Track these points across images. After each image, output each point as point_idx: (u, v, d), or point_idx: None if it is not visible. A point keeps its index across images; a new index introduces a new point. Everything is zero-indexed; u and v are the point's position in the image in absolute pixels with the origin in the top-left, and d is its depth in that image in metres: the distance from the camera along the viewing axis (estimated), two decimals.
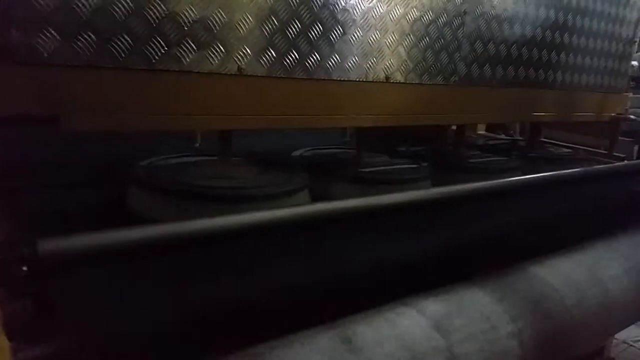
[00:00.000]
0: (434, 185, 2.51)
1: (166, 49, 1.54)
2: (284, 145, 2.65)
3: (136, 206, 1.85)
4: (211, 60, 1.67)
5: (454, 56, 2.46)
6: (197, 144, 2.23)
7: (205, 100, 1.70)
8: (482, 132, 4.83)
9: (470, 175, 2.66)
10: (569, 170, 2.77)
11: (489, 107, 2.72)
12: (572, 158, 3.37)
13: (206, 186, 1.80)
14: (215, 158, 2.07)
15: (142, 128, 1.58)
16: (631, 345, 4.30)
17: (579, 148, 4.02)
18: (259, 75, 1.80)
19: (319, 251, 1.61)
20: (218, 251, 1.46)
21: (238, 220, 1.51)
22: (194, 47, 1.62)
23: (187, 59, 1.60)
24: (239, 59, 1.74)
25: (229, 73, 1.72)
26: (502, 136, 4.51)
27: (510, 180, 2.53)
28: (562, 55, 3.10)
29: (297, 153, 2.55)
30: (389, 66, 2.20)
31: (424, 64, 2.32)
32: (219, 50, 1.69)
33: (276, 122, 1.92)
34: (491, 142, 3.58)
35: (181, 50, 1.59)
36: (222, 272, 1.42)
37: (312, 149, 2.65)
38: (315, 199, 2.15)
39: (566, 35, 3.07)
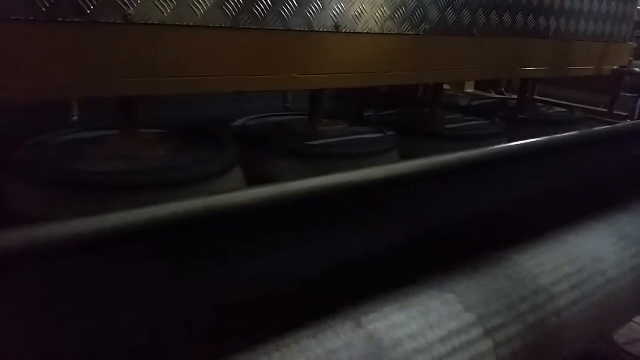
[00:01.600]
0: (402, 158, 2.16)
1: None
2: (222, 113, 2.27)
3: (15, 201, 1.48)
4: None
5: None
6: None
7: None
8: (470, 90, 4.46)
9: (445, 143, 2.30)
10: (561, 135, 2.42)
11: (468, 61, 2.34)
12: (567, 119, 3.01)
13: (94, 172, 1.43)
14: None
15: None
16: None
17: (576, 107, 3.67)
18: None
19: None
20: None
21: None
22: None
23: None
24: None
25: None
26: (493, 94, 4.12)
27: (490, 150, 2.18)
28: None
29: (238, 123, 2.16)
30: (338, 12, 1.80)
31: (385, 7, 1.93)
32: None
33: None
34: (476, 103, 3.20)
35: None
36: None
37: (258, 117, 2.27)
38: (252, 180, 1.80)
39: None
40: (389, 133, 2.20)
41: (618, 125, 2.82)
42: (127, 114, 1.62)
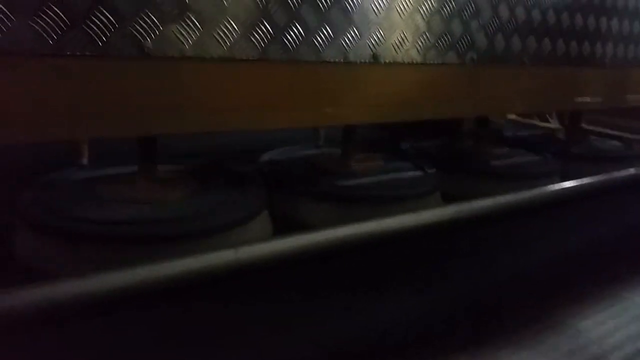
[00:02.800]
0: (445, 200, 1.98)
1: None
2: (252, 142, 2.14)
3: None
4: None
5: (470, 25, 1.90)
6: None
7: None
8: (513, 116, 4.25)
9: (492, 183, 2.11)
10: (622, 173, 2.21)
11: (517, 92, 2.16)
12: (624, 154, 2.78)
13: (97, 222, 1.30)
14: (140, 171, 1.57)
15: None
16: None
17: (631, 138, 3.42)
18: None
19: None
20: None
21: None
22: None
23: None
24: None
25: None
26: (537, 121, 3.90)
27: (544, 190, 2.00)
28: (613, 22, 2.50)
29: (265, 157, 2.03)
30: (376, 41, 1.66)
31: (428, 35, 1.78)
32: None
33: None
34: (523, 134, 3.00)
35: None
36: None
37: (286, 150, 2.14)
38: (278, 225, 1.67)
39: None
40: (430, 171, 2.03)
41: None
42: (145, 153, 1.51)
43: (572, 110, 2.98)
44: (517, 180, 2.17)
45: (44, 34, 1.10)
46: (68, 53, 1.15)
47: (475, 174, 2.15)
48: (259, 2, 1.39)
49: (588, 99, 2.63)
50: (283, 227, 1.71)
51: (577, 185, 2.14)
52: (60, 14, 1.12)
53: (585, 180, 2.17)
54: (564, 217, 2.13)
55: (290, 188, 1.77)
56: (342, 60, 1.63)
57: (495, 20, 1.99)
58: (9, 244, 1.37)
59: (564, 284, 1.80)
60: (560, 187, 2.11)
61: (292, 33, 1.49)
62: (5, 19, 1.06)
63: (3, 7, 1.05)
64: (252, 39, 1.42)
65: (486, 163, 2.27)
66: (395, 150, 2.28)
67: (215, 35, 1.35)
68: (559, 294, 1.73)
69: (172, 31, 1.28)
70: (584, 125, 3.76)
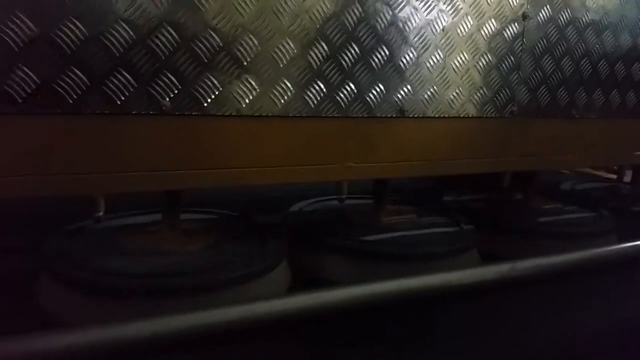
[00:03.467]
0: (483, 259, 1.89)
1: None
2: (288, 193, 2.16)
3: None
4: None
5: (510, 77, 1.85)
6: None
7: None
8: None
9: (536, 242, 2.00)
10: None
11: (563, 146, 2.05)
12: None
13: (119, 274, 1.35)
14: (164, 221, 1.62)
15: None
16: None
17: None
18: None
19: None
20: None
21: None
22: None
23: None
24: None
25: None
26: (603, 173, 3.67)
27: (597, 253, 1.85)
28: None
29: (294, 208, 2.04)
30: (402, 96, 1.65)
31: (461, 89, 1.74)
32: None
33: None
34: (581, 187, 2.83)
35: None
36: None
37: (316, 202, 2.14)
38: (300, 279, 1.66)
39: None
40: (467, 227, 1.95)
41: None
42: (170, 203, 1.56)
43: (632, 164, 2.78)
44: (566, 239, 2.03)
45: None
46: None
47: (517, 231, 2.04)
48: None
49: None
50: (305, 281, 1.69)
51: (631, 247, 1.97)
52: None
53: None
54: (617, 282, 1.96)
55: (313, 241, 1.75)
56: (366, 115, 1.62)
57: (538, 73, 1.92)
58: (32, 295, 1.44)
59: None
60: (612, 249, 1.95)
61: (313, 90, 1.51)
62: None
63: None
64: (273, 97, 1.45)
65: (531, 220, 2.14)
66: (434, 204, 2.21)
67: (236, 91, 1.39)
68: None
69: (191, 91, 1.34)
70: None
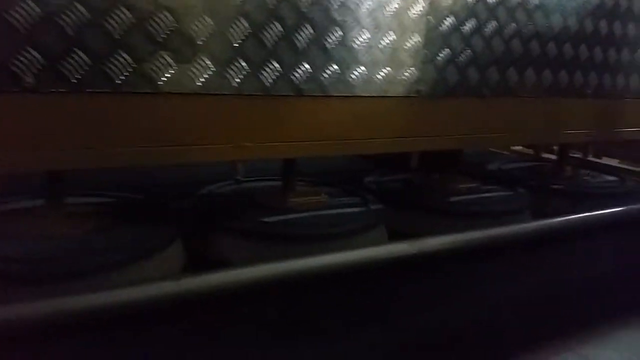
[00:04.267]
0: (392, 236, 1.90)
1: None
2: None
3: None
4: None
5: (416, 55, 1.83)
6: None
7: None
8: (518, 147, 4.09)
9: (445, 221, 2.01)
10: (596, 213, 2.06)
11: (475, 125, 2.06)
12: (613, 191, 2.60)
13: None
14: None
15: None
16: None
17: (633, 170, 3.21)
18: None
19: None
20: None
21: None
22: None
23: None
24: None
25: None
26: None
27: (498, 232, 1.87)
28: (601, 51, 2.37)
29: (204, 191, 2.00)
30: (300, 75, 1.62)
31: (363, 69, 1.72)
32: None
33: None
34: (507, 167, 2.87)
35: None
36: None
37: (228, 184, 2.10)
38: (198, 263, 1.63)
39: (607, 23, 2.34)
40: (374, 207, 1.94)
41: None
42: (53, 186, 1.50)
43: (559, 143, 2.83)
44: (475, 218, 2.05)
45: None
46: None
47: (428, 210, 2.05)
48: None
49: (575, 131, 2.50)
50: (203, 264, 1.66)
51: (541, 224, 2.01)
52: None
53: (551, 220, 2.04)
54: (521, 261, 2.00)
55: (215, 223, 1.72)
56: (261, 93, 1.59)
57: (447, 51, 1.91)
58: None
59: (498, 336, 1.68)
60: (522, 227, 1.98)
61: (200, 65, 1.46)
62: None
63: None
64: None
65: (442, 199, 2.16)
66: (350, 185, 2.20)
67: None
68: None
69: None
70: (591, 159, 3.58)
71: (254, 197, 1.94)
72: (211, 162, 1.65)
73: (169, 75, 1.42)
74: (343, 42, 1.68)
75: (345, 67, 1.71)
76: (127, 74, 1.37)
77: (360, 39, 1.71)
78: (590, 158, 3.58)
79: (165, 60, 1.41)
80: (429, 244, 1.74)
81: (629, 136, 2.70)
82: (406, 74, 1.85)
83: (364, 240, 1.79)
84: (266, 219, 1.74)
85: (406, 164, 2.74)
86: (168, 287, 1.30)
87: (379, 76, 1.79)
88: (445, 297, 1.88)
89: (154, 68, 1.40)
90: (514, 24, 2.06)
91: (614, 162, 3.65)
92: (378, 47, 1.76)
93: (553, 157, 3.43)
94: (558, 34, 2.21)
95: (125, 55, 1.36)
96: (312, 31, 1.62)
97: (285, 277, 1.50)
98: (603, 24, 2.35)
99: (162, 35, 1.38)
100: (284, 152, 1.68)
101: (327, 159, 2.44)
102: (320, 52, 1.65)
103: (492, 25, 2.00)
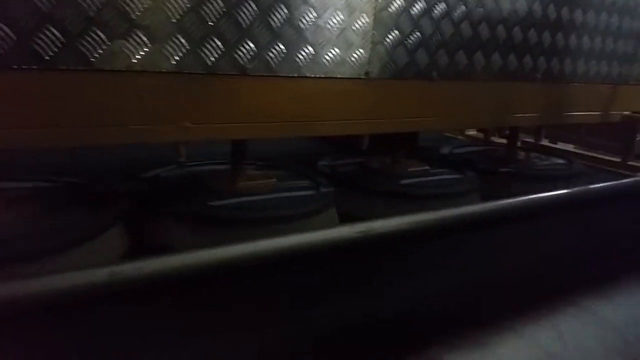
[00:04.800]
0: (342, 218, 1.88)
1: None
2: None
3: None
4: None
5: (365, 37, 1.81)
6: None
7: None
8: (472, 132, 4.14)
9: (395, 203, 2.01)
10: (539, 196, 2.09)
11: (424, 108, 2.05)
12: (561, 173, 2.66)
13: None
14: None
15: None
16: None
17: (586, 155, 3.30)
18: None
19: None
20: None
21: None
22: None
23: None
24: None
25: None
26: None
27: (440, 215, 1.88)
28: (550, 35, 2.40)
29: (150, 174, 1.93)
30: (244, 54, 1.57)
31: (311, 50, 1.68)
32: None
33: None
34: (459, 151, 2.89)
35: None
36: None
37: (176, 167, 2.03)
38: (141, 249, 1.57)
39: (556, 7, 2.37)
40: (324, 190, 1.92)
41: (615, 183, 2.45)
42: None
43: (508, 126, 2.87)
44: (424, 200, 2.05)
45: None
46: None
47: (378, 193, 2.04)
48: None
49: (524, 115, 2.53)
50: (146, 250, 1.61)
51: (488, 206, 2.02)
52: None
53: (499, 202, 2.05)
54: (470, 243, 2.01)
55: (159, 207, 1.66)
56: (202, 71, 1.53)
57: (395, 33, 1.89)
58: None
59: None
60: (468, 209, 1.99)
61: (134, 41, 1.39)
62: None
63: None
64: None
65: (393, 182, 2.15)
66: (302, 168, 2.17)
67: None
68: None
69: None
70: (545, 142, 3.66)
71: (201, 180, 1.89)
72: (153, 144, 1.59)
73: (101, 52, 1.35)
74: (289, 21, 1.64)
75: (292, 46, 1.67)
76: (57, 49, 1.30)
77: (307, 18, 1.67)
78: (545, 143, 3.66)
79: (98, 36, 1.34)
80: (376, 226, 1.72)
81: (577, 119, 2.76)
82: (355, 55, 1.82)
83: (313, 223, 1.76)
84: (212, 203, 1.69)
85: (359, 146, 2.73)
86: (100, 275, 1.24)
87: (326, 57, 1.76)
88: (396, 278, 1.88)
89: (86, 44, 1.33)
90: (463, 7, 2.05)
91: (569, 147, 3.76)
92: (326, 27, 1.72)
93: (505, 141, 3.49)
94: (507, 18, 2.22)
95: (55, 31, 1.28)
96: (256, 9, 1.57)
97: (231, 262, 1.46)
98: (552, 9, 2.38)
99: (93, 9, 1.31)
100: (227, 134, 1.63)
101: (283, 142, 2.41)
102: (266, 30, 1.60)
103: (441, 8, 1.99)
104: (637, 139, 3.24)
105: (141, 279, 1.33)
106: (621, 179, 2.68)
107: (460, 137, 3.84)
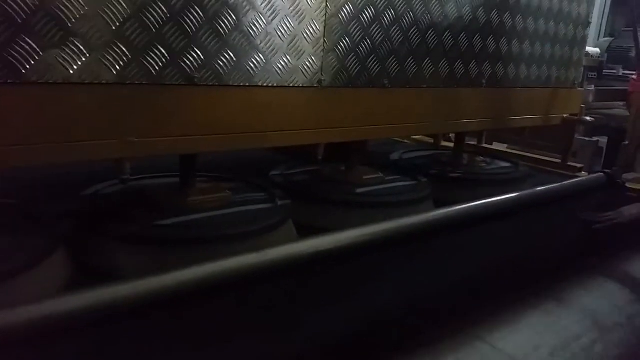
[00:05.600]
0: (300, 230, 1.81)
1: None
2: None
3: None
4: None
5: (316, 44, 1.75)
6: None
7: None
8: (419, 136, 4.17)
9: (353, 212, 1.96)
10: (493, 200, 2.10)
11: (377, 117, 2.02)
12: (508, 177, 2.70)
13: None
14: None
15: None
16: None
17: (529, 156, 3.39)
18: None
19: None
20: None
21: None
22: None
23: None
24: None
25: None
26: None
27: (404, 223, 1.85)
28: (494, 42, 2.43)
29: (90, 191, 1.79)
30: (191, 62, 1.48)
31: (260, 56, 1.61)
32: None
33: None
34: (408, 156, 2.89)
35: None
36: None
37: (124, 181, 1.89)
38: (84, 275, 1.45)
39: (498, 15, 2.40)
40: (281, 203, 1.85)
41: (560, 185, 2.52)
42: None
43: (457, 132, 2.89)
44: (382, 208, 2.02)
45: None
46: None
47: (334, 203, 1.99)
48: None
49: (468, 121, 2.55)
50: (90, 276, 1.48)
51: (444, 213, 2.01)
52: None
53: (455, 208, 2.04)
54: (425, 252, 1.99)
55: (101, 228, 1.53)
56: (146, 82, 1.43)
57: (346, 41, 1.85)
58: None
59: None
60: (426, 216, 1.97)
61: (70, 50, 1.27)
62: None
63: None
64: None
65: (349, 191, 2.11)
66: (255, 179, 2.09)
67: None
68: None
69: None
70: (484, 145, 3.73)
71: (147, 196, 1.76)
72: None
73: (33, 63, 1.23)
74: (238, 28, 1.56)
75: (242, 54, 1.59)
76: None
77: (257, 25, 1.60)
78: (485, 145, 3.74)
79: (29, 45, 1.22)
80: (341, 237, 1.67)
81: (521, 123, 2.83)
82: (307, 63, 1.77)
83: (272, 238, 1.68)
84: (161, 222, 1.58)
85: (313, 155, 2.67)
86: (32, 311, 1.11)
87: (278, 65, 1.69)
88: (354, 291, 1.83)
89: (15, 55, 1.20)
90: (411, 14, 2.04)
91: (503, 147, 3.86)
92: (276, 34, 1.66)
93: (450, 144, 3.54)
94: (453, 25, 2.23)
95: None
96: (202, 15, 1.48)
97: (183, 286, 1.36)
98: (494, 16, 2.41)
99: (22, 16, 1.19)
100: (174, 148, 1.53)
101: (230, 151, 2.31)
102: (212, 38, 1.52)
103: (390, 15, 1.97)
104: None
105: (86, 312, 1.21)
106: (566, 180, 2.76)
107: (406, 140, 3.86)
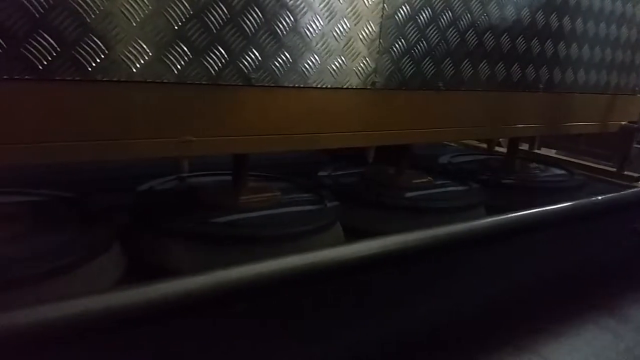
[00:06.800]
0: (347, 234, 1.79)
1: None
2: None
3: None
4: None
5: (371, 46, 1.72)
6: None
7: None
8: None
9: (401, 217, 1.91)
10: (550, 208, 2.02)
11: (431, 119, 1.97)
12: (563, 185, 2.59)
13: None
14: None
15: None
16: None
17: (582, 164, 3.25)
18: None
19: None
20: None
21: None
22: None
23: None
24: None
25: None
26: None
27: (459, 229, 1.80)
28: (552, 45, 2.34)
29: (144, 187, 1.81)
30: (249, 63, 1.47)
31: (316, 59, 1.59)
32: None
33: None
34: (457, 160, 2.81)
35: None
36: None
37: (173, 179, 1.92)
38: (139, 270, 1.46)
39: (557, 18, 2.30)
40: (330, 204, 1.82)
41: (618, 194, 2.39)
42: None
43: (508, 137, 2.80)
44: (432, 214, 1.96)
45: None
46: None
47: (383, 207, 1.95)
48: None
49: (523, 126, 2.46)
50: (145, 271, 1.49)
51: (497, 220, 1.94)
52: None
53: (509, 216, 1.97)
54: (478, 259, 1.93)
55: (155, 224, 1.55)
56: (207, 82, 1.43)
57: (402, 42, 1.80)
58: None
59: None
60: (479, 223, 1.91)
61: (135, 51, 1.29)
62: None
63: None
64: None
65: (398, 195, 2.06)
66: (304, 180, 2.07)
67: None
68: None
69: None
70: (535, 150, 3.59)
71: (199, 195, 1.77)
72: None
73: (99, 61, 1.24)
74: (294, 29, 1.55)
75: (297, 55, 1.58)
76: (51, 58, 1.19)
77: (313, 26, 1.58)
78: (536, 151, 3.60)
79: (96, 44, 1.23)
80: (393, 241, 1.63)
81: (577, 130, 2.71)
82: (361, 65, 1.73)
83: (320, 240, 1.66)
84: (213, 219, 1.58)
85: (361, 156, 2.64)
86: (95, 302, 1.12)
87: (333, 66, 1.67)
88: (406, 296, 1.79)
89: (82, 53, 1.22)
90: (469, 16, 1.98)
91: (551, 153, 3.72)
92: (332, 35, 1.63)
93: (500, 149, 3.42)
94: (511, 27, 2.15)
95: (49, 38, 1.17)
96: (262, 17, 1.47)
97: (237, 284, 1.35)
98: (553, 18, 2.32)
99: (91, 16, 1.21)
100: (231, 148, 1.53)
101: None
102: (270, 40, 1.50)
103: (447, 17, 1.91)
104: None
105: (140, 307, 1.22)
106: (622, 189, 2.62)
107: (452, 144, 3.77)
